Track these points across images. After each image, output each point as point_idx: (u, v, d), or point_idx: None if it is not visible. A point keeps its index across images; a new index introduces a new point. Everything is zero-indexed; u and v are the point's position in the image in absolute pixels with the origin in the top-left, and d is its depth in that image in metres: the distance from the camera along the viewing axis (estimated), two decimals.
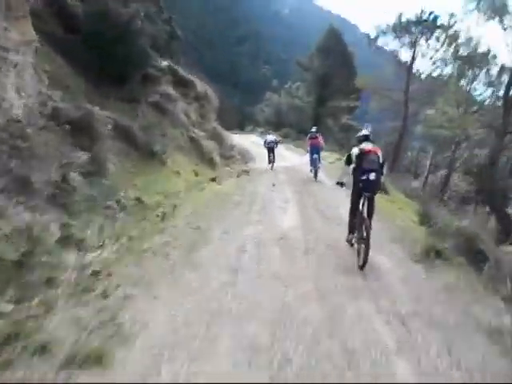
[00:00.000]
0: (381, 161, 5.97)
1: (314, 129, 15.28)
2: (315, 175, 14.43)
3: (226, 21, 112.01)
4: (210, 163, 17.01)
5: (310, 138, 14.92)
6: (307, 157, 15.99)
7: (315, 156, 14.38)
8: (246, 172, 16.80)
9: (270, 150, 18.03)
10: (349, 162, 6.39)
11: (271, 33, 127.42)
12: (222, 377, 3.26)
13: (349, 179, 6.53)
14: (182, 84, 19.15)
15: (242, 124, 56.38)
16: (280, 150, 22.29)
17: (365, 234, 5.64)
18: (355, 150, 6.10)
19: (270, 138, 18.35)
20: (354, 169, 6.14)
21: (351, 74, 42.30)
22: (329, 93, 42.68)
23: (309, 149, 14.92)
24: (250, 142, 33.14)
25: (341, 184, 6.80)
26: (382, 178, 6.28)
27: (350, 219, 6.52)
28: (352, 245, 6.47)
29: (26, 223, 4.84)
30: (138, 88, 13.39)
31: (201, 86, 22.09)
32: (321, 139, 14.86)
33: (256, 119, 53.24)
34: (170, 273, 5.29)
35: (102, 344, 3.43)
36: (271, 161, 18.15)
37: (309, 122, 44.49)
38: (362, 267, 5.59)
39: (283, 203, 10.13)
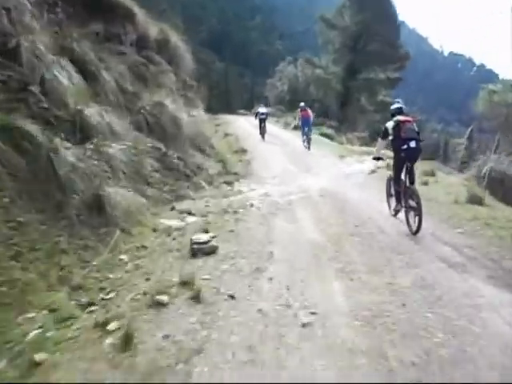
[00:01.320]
0: (417, 130, 5.91)
1: (302, 103, 16.08)
2: (308, 146, 15.28)
3: None
4: None
5: (301, 111, 15.56)
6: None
7: (306, 128, 15.29)
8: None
9: (262, 121, 17.85)
10: (385, 135, 6.23)
11: (283, 6, 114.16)
12: None
13: (382, 153, 6.80)
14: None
15: (250, 104, 45.50)
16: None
17: (414, 203, 5.59)
18: (390, 123, 6.04)
19: (262, 110, 18.23)
20: (393, 140, 6.02)
21: (392, 35, 30.02)
22: (363, 60, 30.55)
23: (300, 122, 15.63)
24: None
25: (377, 158, 6.77)
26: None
27: (394, 189, 6.37)
28: (395, 214, 6.44)
29: None
30: None
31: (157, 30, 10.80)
32: (310, 112, 15.63)
33: (266, 97, 41.42)
34: None
35: None
36: (262, 131, 17.84)
37: (334, 100, 32.58)
38: (415, 233, 5.56)
39: None
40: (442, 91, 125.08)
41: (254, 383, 2.67)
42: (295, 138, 17.52)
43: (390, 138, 6.03)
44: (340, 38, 30.81)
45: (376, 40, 30.01)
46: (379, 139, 6.53)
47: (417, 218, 5.49)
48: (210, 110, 51.18)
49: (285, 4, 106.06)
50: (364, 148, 18.54)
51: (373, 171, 10.66)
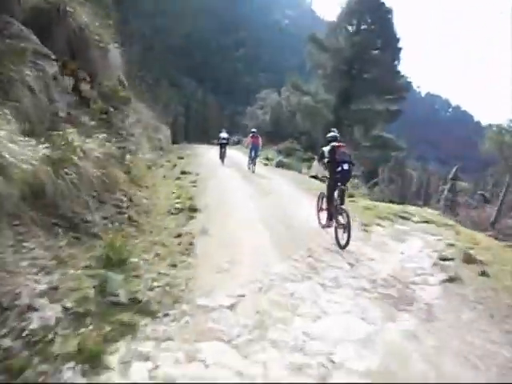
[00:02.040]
0: (349, 154, 6.36)
1: (254, 129, 16.50)
2: (253, 168, 15.16)
3: (223, 26, 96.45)
4: None
5: (252, 137, 15.60)
6: None
7: (253, 152, 15.21)
8: None
9: (223, 145, 17.46)
10: (321, 158, 6.69)
11: (270, 41, 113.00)
12: None
13: (322, 172, 6.98)
14: None
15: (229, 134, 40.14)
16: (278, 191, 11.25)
17: (345, 222, 5.87)
18: (327, 148, 6.50)
19: (223, 135, 17.82)
20: (328, 162, 6.42)
21: (392, 60, 25.34)
22: (358, 88, 25.60)
23: (249, 147, 15.54)
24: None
25: (315, 177, 8.08)
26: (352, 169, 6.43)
27: (327, 205, 6.67)
28: (327, 226, 6.73)
29: None
30: None
31: None
32: (260, 140, 15.70)
33: (245, 126, 36.19)
34: None
35: None
36: (222, 156, 17.34)
37: (323, 132, 27.31)
38: (344, 247, 5.83)
39: None
40: (420, 129, 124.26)
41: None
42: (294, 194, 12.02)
43: (326, 160, 6.49)
44: (332, 62, 25.88)
45: (373, 65, 25.24)
46: (316, 161, 7.80)
47: (345, 234, 5.81)
48: (186, 139, 44.97)
49: (270, 39, 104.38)
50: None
51: None
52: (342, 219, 5.96)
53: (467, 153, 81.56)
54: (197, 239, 5.69)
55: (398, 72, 25.00)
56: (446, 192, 28.70)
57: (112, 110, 9.09)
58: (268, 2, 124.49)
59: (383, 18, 24.27)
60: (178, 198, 8.43)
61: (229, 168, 15.38)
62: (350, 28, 25.33)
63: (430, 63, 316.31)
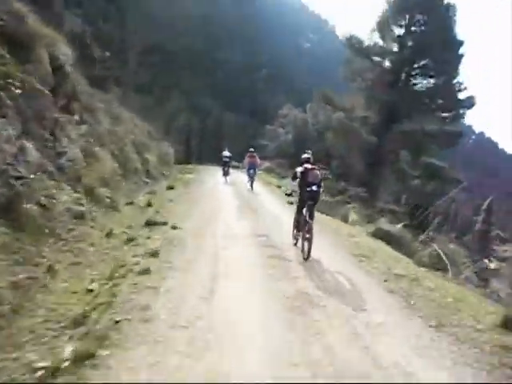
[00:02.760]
0: (320, 177, 6.53)
1: (252, 149, 16.29)
2: (251, 186, 15.10)
3: (246, 48, 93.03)
4: None
5: (249, 157, 15.38)
6: None
7: (251, 171, 15.12)
8: None
9: (225, 164, 17.03)
10: (294, 178, 6.88)
11: (291, 64, 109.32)
12: None
13: (294, 189, 7.09)
14: None
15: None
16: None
17: (308, 235, 6.20)
18: (300, 169, 6.64)
19: (226, 153, 17.29)
20: (300, 182, 6.61)
21: (453, 67, 19.74)
22: (406, 102, 19.89)
23: (247, 166, 15.37)
24: None
25: (289, 194, 7.60)
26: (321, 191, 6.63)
27: (294, 222, 7.05)
28: (296, 243, 7.01)
29: None
30: None
31: None
32: (257, 158, 15.63)
33: (265, 147, 30.91)
34: None
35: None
36: (225, 173, 16.97)
37: (360, 156, 21.66)
38: (306, 259, 6.11)
39: None
40: (442, 156, 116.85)
41: None
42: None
43: (298, 180, 6.67)
44: (374, 71, 20.40)
45: (427, 75, 19.65)
46: (290, 180, 7.43)
47: (307, 246, 6.15)
48: (199, 158, 39.56)
49: (291, 61, 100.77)
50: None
51: None
52: (306, 234, 6.21)
53: (489, 181, 74.85)
54: None
55: (460, 83, 19.32)
56: (480, 224, 23.44)
57: None
58: (291, 25, 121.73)
59: (442, 16, 18.76)
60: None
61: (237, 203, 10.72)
62: (397, 30, 19.89)
63: None
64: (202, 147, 48.95)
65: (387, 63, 20.38)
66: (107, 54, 18.23)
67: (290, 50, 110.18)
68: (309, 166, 6.52)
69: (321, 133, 24.69)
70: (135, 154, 12.18)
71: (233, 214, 8.95)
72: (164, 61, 53.41)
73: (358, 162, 21.67)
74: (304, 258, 6.05)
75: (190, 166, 27.45)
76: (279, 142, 27.15)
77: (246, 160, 15.37)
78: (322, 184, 6.58)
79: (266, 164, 24.47)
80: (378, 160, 20.86)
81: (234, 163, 33.31)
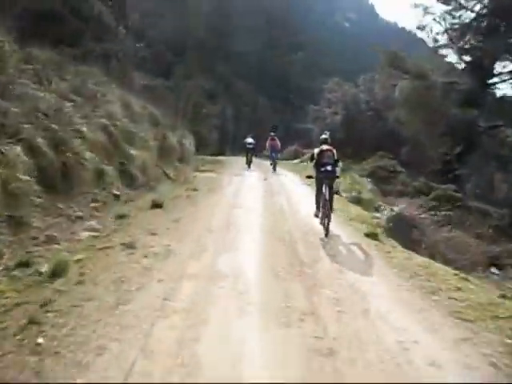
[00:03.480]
0: (335, 157, 6.65)
1: (272, 133, 16.09)
2: (274, 168, 15.39)
3: (280, 28, 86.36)
4: None
5: (271, 140, 15.68)
6: None
7: (273, 154, 15.47)
8: None
9: (249, 150, 16.44)
10: (312, 159, 6.98)
11: (330, 44, 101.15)
12: None
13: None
14: None
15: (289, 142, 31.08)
16: None
17: (327, 212, 6.37)
18: (316, 150, 6.87)
19: (249, 140, 16.63)
20: (315, 163, 6.78)
21: None
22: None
23: (269, 149, 15.65)
24: None
25: (310, 176, 8.66)
26: (338, 170, 6.71)
27: (316, 200, 7.05)
28: (321, 222, 6.75)
29: None
30: None
31: None
32: (278, 141, 15.77)
33: (307, 132, 25.54)
34: None
35: None
36: (249, 162, 16.38)
37: (441, 140, 15.55)
38: (326, 235, 6.31)
39: None
40: None
41: None
42: None
43: (314, 161, 6.80)
44: (464, 15, 14.00)
45: None
46: (309, 162, 7.62)
47: (326, 223, 6.35)
48: (233, 149, 33.88)
49: (330, 42, 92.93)
50: None
51: None
52: (326, 211, 6.38)
53: None
54: None
55: None
56: None
57: None
58: (328, 4, 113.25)
59: None
60: None
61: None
62: None
63: None
64: (237, 135, 43.98)
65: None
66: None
67: (327, 30, 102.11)
68: (325, 147, 6.74)
69: (379, 112, 18.67)
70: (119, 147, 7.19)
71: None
72: (193, 45, 48.57)
73: (439, 146, 15.52)
74: (324, 234, 6.26)
75: (220, 158, 22.80)
76: (325, 125, 21.38)
77: (268, 143, 15.79)
78: (340, 164, 6.83)
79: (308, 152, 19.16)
80: (468, 143, 14.66)
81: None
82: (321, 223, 6.65)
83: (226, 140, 44.02)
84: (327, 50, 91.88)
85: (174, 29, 46.22)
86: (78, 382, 2.27)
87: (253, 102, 53.62)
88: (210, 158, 24.04)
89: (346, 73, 75.81)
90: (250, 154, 16.22)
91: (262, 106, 50.88)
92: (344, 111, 20.84)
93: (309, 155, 7.92)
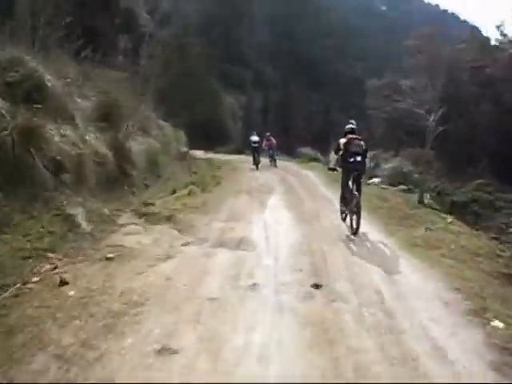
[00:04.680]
0: (364, 147, 6.08)
1: (268, 133, 17.27)
2: (274, 165, 16.76)
3: (310, 10, 78.82)
4: None
5: (266, 140, 16.78)
6: None
7: (270, 151, 16.89)
8: None
9: (255, 149, 16.54)
10: (337, 150, 6.41)
11: (363, 28, 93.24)
12: None
13: (338, 164, 6.56)
14: None
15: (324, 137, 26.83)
16: None
17: (356, 208, 5.81)
18: (343, 140, 6.22)
19: (254, 138, 16.86)
20: (342, 154, 6.19)
21: None
22: None
23: (266, 148, 16.78)
24: None
25: (333, 169, 6.98)
26: (367, 162, 6.35)
27: (341, 196, 6.48)
28: (345, 218, 6.36)
29: None
30: None
31: None
32: (273, 140, 16.95)
33: (367, 120, 19.15)
34: None
35: None
36: (256, 161, 16.28)
37: None
38: (355, 233, 5.76)
39: None
40: None
41: None
42: None
43: (341, 152, 6.21)
44: None
45: None
46: (332, 153, 6.76)
47: (355, 221, 5.77)
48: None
49: (364, 25, 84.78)
50: None
51: None
52: (354, 207, 5.83)
53: None
54: None
55: None
56: None
57: None
58: None
59: None
60: None
61: None
62: None
63: None
64: (266, 124, 37.50)
65: None
66: None
67: (360, 12, 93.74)
68: (353, 136, 6.15)
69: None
70: None
71: None
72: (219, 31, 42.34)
73: None
74: (352, 233, 5.77)
75: (232, 158, 20.17)
76: (401, 105, 14.48)
77: (264, 143, 16.82)
78: (368, 155, 6.35)
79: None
80: None
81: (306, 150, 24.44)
82: (344, 220, 6.28)
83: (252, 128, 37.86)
84: (360, 33, 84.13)
85: (199, 13, 40.70)
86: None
87: (283, 92, 46.54)
88: (221, 158, 19.85)
89: (379, 58, 68.26)
90: (257, 153, 16.28)
91: (294, 96, 43.88)
92: (441, 79, 12.40)
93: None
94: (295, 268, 4.32)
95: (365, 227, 5.95)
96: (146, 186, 8.33)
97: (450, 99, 12.23)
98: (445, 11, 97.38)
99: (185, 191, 8.24)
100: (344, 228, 6.20)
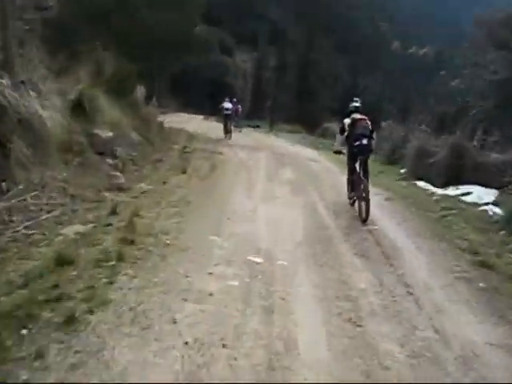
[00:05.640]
0: (370, 128, 5.61)
1: (235, 99, 17.30)
2: (230, 137, 15.33)
3: None
4: None
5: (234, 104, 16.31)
6: None
7: (236, 118, 16.80)
8: None
9: (227, 117, 14.52)
10: (342, 131, 6.02)
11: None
12: None
13: (344, 146, 6.21)
14: None
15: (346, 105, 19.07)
16: None
17: (364, 194, 5.36)
18: (347, 120, 5.82)
19: (227, 105, 14.74)
20: (348, 136, 5.79)
21: None
22: None
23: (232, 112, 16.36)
24: None
25: (339, 152, 6.60)
26: (373, 144, 5.74)
27: (348, 180, 6.11)
28: (353, 203, 5.92)
29: None
30: None
31: None
32: (240, 106, 17.75)
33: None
34: None
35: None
36: (228, 131, 14.60)
37: None
38: (364, 221, 5.24)
39: None
40: None
41: None
42: None
43: (346, 134, 5.84)
44: None
45: None
46: (338, 135, 6.42)
47: (364, 207, 5.31)
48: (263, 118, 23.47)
49: None
50: None
51: None
52: (362, 192, 5.35)
53: None
54: None
55: None
56: None
57: None
58: None
59: None
60: None
61: None
62: None
63: None
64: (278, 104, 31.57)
65: None
66: None
67: None
68: (358, 116, 5.62)
69: None
70: None
71: None
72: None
73: None
74: (362, 220, 5.23)
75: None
76: (480, 85, 9.49)
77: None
78: (375, 136, 5.73)
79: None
80: None
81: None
82: (352, 205, 5.82)
83: (262, 103, 31.89)
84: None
85: None
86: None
87: (303, 53, 39.25)
88: (201, 135, 13.91)
89: (409, 23, 60.80)
90: (229, 121, 14.77)
91: (313, 67, 37.07)
92: None
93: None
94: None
95: None
96: None
97: None
98: None
99: None
100: None
